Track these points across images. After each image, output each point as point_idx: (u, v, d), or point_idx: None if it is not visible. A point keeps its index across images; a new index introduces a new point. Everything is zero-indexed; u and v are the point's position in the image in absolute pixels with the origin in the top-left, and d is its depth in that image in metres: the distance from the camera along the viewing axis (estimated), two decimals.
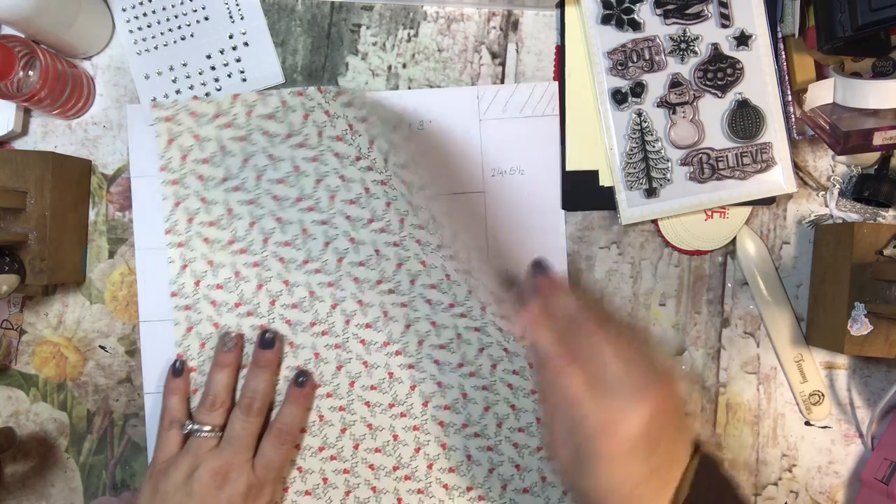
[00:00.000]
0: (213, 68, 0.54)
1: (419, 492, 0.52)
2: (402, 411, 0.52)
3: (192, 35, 0.54)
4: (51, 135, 0.55)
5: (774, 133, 0.52)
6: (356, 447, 0.52)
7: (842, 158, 0.55)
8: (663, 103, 0.53)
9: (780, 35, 0.52)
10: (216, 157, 0.52)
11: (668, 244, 0.55)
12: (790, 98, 0.53)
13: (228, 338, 0.51)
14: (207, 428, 0.48)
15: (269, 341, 0.51)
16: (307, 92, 0.52)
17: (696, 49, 0.53)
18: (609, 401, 0.37)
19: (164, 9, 0.54)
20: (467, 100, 0.54)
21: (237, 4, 0.54)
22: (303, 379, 0.51)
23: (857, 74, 0.52)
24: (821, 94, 0.51)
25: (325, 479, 0.52)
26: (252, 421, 0.49)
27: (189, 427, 0.49)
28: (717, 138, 0.53)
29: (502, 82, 0.55)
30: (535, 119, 0.54)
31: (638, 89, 0.53)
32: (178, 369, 0.51)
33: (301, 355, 0.52)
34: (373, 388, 0.52)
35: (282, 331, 0.52)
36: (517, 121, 0.54)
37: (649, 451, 0.37)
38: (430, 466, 0.52)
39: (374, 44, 0.55)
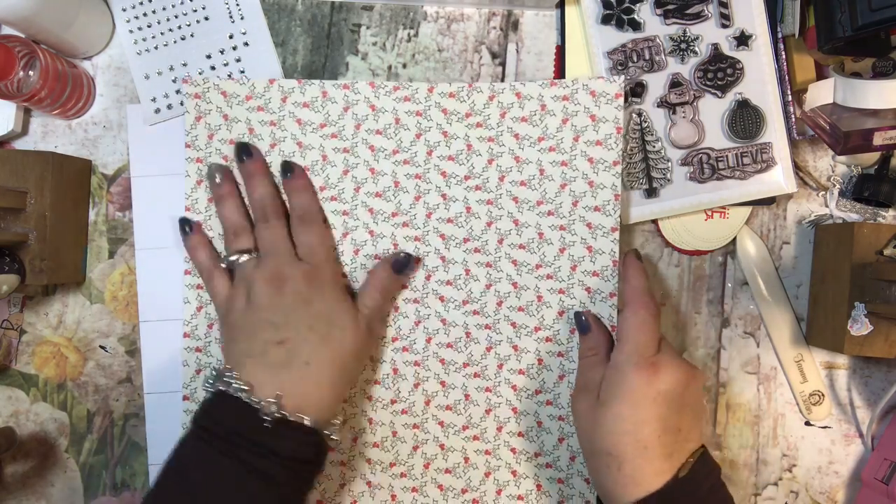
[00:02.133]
0: (213, 68, 0.54)
1: (486, 453, 0.52)
2: (475, 374, 0.52)
3: (192, 35, 0.54)
4: (51, 135, 0.55)
5: (774, 133, 0.52)
6: (427, 403, 0.52)
7: (842, 158, 0.55)
8: (663, 103, 0.53)
9: (780, 35, 0.52)
10: (243, 139, 0.51)
11: (668, 244, 0.55)
12: (790, 98, 0.53)
13: (214, 172, 0.50)
14: (245, 256, 0.48)
15: (243, 148, 0.50)
16: (354, 86, 0.51)
17: (696, 49, 0.53)
18: (662, 354, 0.44)
19: (164, 9, 0.54)
20: None
21: (237, 4, 0.54)
22: (289, 171, 0.50)
23: (857, 74, 0.52)
24: (821, 94, 0.51)
25: (394, 433, 0.52)
26: (274, 224, 0.48)
27: (227, 261, 0.49)
28: (717, 138, 0.53)
29: (502, 82, 0.55)
30: None
31: (638, 89, 0.53)
32: (188, 230, 0.51)
33: None
34: (416, 365, 0.52)
35: None
36: None
37: (671, 412, 0.42)
38: (499, 428, 0.52)
39: (374, 44, 0.55)
